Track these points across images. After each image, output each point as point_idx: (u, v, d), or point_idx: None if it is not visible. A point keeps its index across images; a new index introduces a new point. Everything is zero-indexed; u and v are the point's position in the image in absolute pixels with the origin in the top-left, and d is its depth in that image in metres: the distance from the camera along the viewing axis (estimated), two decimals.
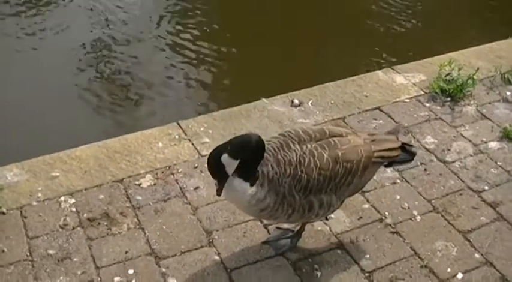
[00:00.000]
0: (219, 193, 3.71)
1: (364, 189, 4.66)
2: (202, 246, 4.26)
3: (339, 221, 4.46)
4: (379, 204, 4.61)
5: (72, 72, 7.79)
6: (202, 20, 9.07)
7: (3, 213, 4.52)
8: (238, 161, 3.57)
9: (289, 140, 3.77)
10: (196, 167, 4.91)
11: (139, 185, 4.75)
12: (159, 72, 7.85)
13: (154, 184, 4.76)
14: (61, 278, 4.04)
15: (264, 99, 5.71)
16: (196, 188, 4.70)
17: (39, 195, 4.67)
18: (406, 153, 4.10)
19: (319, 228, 4.39)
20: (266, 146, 3.70)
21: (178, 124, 5.40)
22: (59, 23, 8.66)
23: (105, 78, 7.76)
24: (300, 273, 4.07)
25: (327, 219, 4.41)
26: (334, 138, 3.82)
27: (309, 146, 3.73)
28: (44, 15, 8.85)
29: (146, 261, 4.16)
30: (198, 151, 5.08)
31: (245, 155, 3.57)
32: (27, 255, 4.20)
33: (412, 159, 4.20)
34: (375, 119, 5.50)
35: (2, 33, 8.45)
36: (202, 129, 5.34)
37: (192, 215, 4.50)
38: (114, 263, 4.14)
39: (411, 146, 4.18)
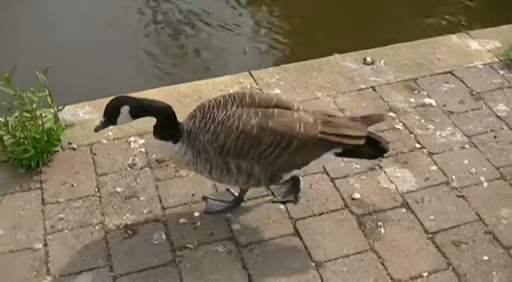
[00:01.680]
0: (96, 130, 3.75)
1: (432, 151, 4.66)
2: (268, 195, 4.29)
3: (405, 180, 4.44)
4: (447, 167, 4.56)
5: (145, 17, 7.88)
6: None
7: (74, 149, 4.63)
8: (133, 119, 3.69)
9: (230, 101, 3.71)
10: None
11: None
12: (232, 25, 7.86)
13: None
14: (127, 215, 4.13)
15: (337, 55, 5.68)
16: None
17: (110, 133, 4.76)
18: (372, 150, 3.84)
19: (385, 185, 4.39)
20: (204, 103, 3.78)
21: (250, 74, 5.43)
22: None
23: (177, 26, 7.81)
24: (363, 229, 4.08)
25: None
26: (278, 109, 3.70)
27: (244, 109, 3.67)
28: None
29: None
30: None
31: (142, 116, 3.71)
32: (95, 191, 4.30)
33: (378, 156, 3.97)
34: (447, 83, 5.42)
35: None
36: (273, 80, 5.35)
37: None
38: (180, 205, 4.21)
39: (383, 142, 3.87)
